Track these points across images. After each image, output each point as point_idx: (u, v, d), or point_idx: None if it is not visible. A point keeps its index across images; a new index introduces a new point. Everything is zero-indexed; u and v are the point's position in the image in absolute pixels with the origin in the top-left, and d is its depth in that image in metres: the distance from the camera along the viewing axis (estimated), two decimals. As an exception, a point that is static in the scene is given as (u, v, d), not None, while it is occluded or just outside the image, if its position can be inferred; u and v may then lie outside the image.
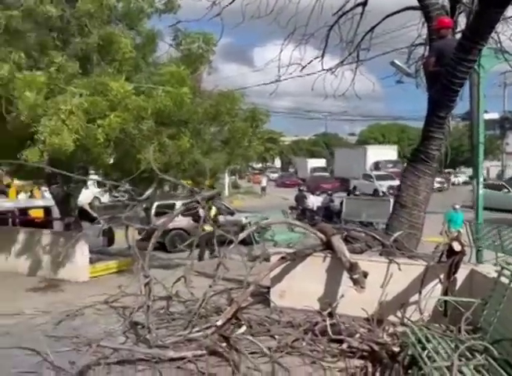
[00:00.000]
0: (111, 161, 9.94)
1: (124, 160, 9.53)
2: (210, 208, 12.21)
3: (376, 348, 5.88)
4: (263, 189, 41.76)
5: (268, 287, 8.37)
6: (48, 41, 9.42)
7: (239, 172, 49.61)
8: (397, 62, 13.84)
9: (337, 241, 7.74)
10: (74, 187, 11.43)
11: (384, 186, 32.85)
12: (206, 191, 8.95)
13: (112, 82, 8.53)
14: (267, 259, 8.56)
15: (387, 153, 44.03)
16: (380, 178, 35.14)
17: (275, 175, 59.09)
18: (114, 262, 11.71)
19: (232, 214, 17.53)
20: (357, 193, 33.94)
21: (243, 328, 6.81)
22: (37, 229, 12.12)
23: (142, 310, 7.15)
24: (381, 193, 31.18)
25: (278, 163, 76.26)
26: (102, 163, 9.16)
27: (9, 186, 19.21)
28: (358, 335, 6.25)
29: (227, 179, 37.15)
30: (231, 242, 8.05)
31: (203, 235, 10.83)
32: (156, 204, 17.03)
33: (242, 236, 8.62)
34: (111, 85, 8.48)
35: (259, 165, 66.47)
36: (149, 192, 10.05)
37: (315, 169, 52.02)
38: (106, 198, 26.65)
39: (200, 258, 13.48)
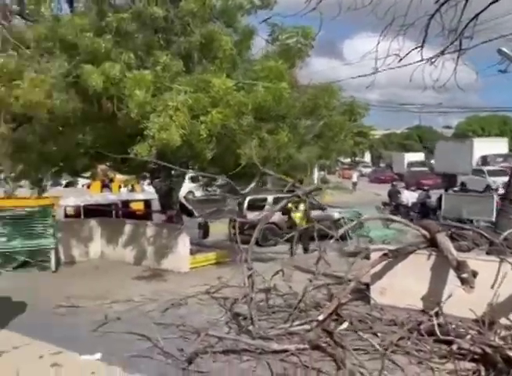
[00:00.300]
0: (210, 156, 10.22)
1: (223, 155, 9.73)
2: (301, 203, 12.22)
3: (489, 351, 5.58)
4: (354, 184, 40.88)
5: (367, 284, 8.23)
6: (154, 41, 9.86)
7: (329, 167, 48.97)
8: (505, 49, 13.00)
9: (443, 238, 7.45)
10: (176, 181, 11.88)
11: (497, 182, 30.30)
12: (305, 186, 8.93)
13: (214, 79, 8.75)
14: (367, 256, 8.42)
15: (496, 146, 39.93)
16: (492, 173, 32.16)
17: (368, 170, 57.29)
18: (212, 253, 11.99)
19: (323, 209, 17.37)
20: (455, 189, 31.86)
21: (345, 324, 6.73)
22: (141, 221, 12.75)
23: (244, 301, 7.32)
24: (494, 191, 28.75)
25: (367, 157, 74.24)
26: (204, 158, 9.41)
27: (112, 180, 20.26)
28: (468, 337, 5.97)
29: (316, 174, 36.84)
30: (326, 237, 7.99)
31: (300, 230, 10.89)
32: (248, 198, 17.27)
33: (341, 231, 8.57)
34: (213, 82, 8.69)
35: (348, 160, 65.13)
36: (251, 186, 10.21)
37: (412, 164, 49.39)
38: (199, 192, 27.50)
39: (292, 252, 13.53)
